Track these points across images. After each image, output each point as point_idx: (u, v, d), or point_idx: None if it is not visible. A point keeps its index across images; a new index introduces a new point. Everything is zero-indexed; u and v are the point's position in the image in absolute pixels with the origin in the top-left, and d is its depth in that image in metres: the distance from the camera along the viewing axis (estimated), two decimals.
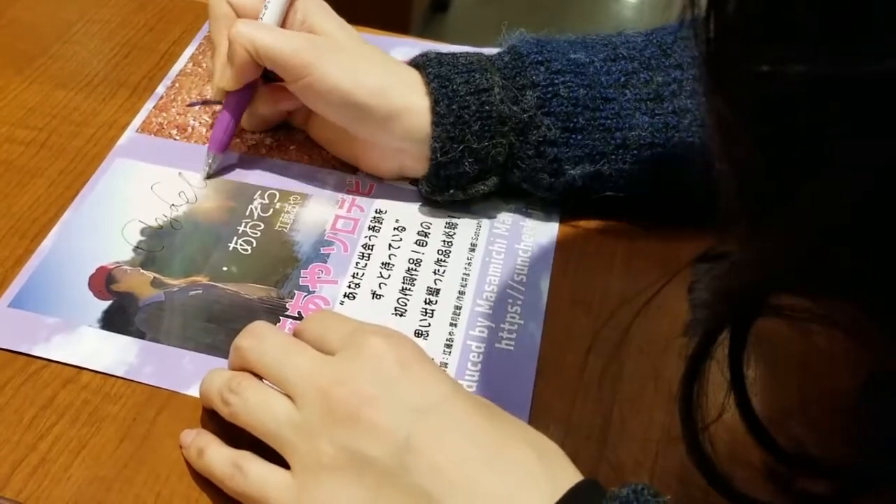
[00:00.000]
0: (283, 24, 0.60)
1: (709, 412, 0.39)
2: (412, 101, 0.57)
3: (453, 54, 0.59)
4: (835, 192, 0.29)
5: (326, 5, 0.61)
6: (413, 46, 0.72)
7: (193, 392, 0.49)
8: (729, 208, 0.33)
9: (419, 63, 0.59)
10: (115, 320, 0.53)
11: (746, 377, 0.39)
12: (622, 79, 0.56)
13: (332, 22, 0.60)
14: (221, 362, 0.50)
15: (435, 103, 0.56)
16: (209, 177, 0.61)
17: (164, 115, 0.65)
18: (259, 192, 0.61)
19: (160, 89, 0.67)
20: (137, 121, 0.65)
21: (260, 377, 0.45)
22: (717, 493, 0.40)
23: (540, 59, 0.57)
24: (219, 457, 0.44)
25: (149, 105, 0.66)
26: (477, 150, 0.56)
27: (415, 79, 0.58)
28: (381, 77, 0.57)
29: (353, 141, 0.60)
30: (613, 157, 0.56)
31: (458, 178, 0.58)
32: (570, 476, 0.40)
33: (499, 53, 0.59)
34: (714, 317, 0.37)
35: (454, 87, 0.56)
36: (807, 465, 0.42)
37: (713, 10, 0.30)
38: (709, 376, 0.38)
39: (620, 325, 0.46)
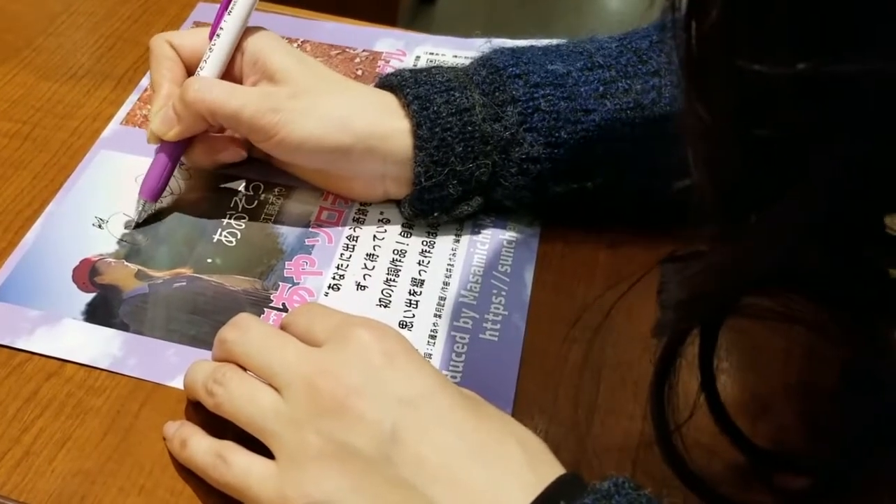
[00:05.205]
0: (233, 68, 0.57)
1: (681, 412, 0.39)
2: (389, 124, 0.55)
3: (428, 70, 0.57)
4: (817, 193, 0.29)
5: (276, 37, 0.58)
6: (399, 38, 0.72)
7: (177, 384, 0.49)
8: (704, 212, 0.33)
9: (394, 84, 0.57)
10: (99, 313, 0.52)
11: (718, 376, 0.39)
12: (601, 88, 0.55)
13: (287, 57, 0.56)
14: (206, 354, 0.49)
15: (417, 126, 0.55)
16: (139, 225, 0.57)
17: (149, 107, 0.65)
18: (244, 184, 0.60)
19: (145, 81, 0.67)
20: (122, 113, 0.65)
21: (244, 369, 0.46)
22: (693, 494, 0.40)
23: (518, 72, 0.55)
24: (202, 447, 0.44)
25: (133, 97, 0.66)
26: (461, 171, 0.55)
27: (388, 100, 0.56)
28: (351, 109, 0.55)
29: (333, 176, 0.59)
30: (597, 171, 0.55)
31: (441, 201, 0.56)
32: (553, 470, 0.41)
33: (474, 66, 0.57)
34: (685, 318, 0.37)
35: (435, 108, 0.55)
36: (781, 463, 0.42)
37: (695, 13, 0.30)
38: (679, 376, 0.38)
39: (600, 315, 0.47)
